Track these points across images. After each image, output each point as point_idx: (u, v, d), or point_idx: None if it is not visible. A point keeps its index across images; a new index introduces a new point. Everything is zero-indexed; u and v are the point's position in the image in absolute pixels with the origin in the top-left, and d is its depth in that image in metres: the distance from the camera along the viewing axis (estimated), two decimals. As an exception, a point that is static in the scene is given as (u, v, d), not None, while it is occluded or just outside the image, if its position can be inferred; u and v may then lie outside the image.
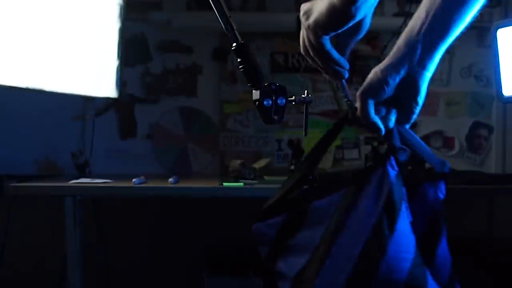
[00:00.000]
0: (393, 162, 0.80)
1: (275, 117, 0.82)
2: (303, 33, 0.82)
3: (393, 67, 0.81)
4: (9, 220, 2.14)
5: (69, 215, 1.67)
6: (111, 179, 1.80)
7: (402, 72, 0.81)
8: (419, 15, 0.81)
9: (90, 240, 2.13)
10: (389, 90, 0.81)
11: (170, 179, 1.75)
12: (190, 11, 2.29)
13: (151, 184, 1.74)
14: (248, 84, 0.82)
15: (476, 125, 2.39)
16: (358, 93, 0.82)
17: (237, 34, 0.81)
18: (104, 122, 2.28)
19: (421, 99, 0.83)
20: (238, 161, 1.95)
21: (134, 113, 2.31)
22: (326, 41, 0.79)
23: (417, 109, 0.85)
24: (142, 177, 1.75)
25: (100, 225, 2.24)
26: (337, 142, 2.35)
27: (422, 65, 0.81)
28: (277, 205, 0.82)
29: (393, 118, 0.84)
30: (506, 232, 2.26)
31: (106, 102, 2.26)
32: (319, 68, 0.84)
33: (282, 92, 0.83)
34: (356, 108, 0.84)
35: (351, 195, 0.78)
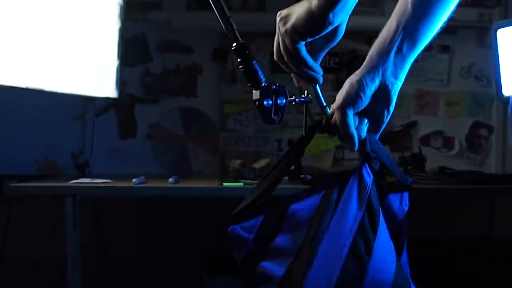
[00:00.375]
0: (368, 170, 0.82)
1: (275, 117, 0.81)
2: (278, 38, 0.82)
3: (369, 77, 0.81)
4: (9, 220, 2.14)
5: (69, 215, 1.67)
6: (111, 179, 1.80)
7: (377, 82, 0.82)
8: (390, 26, 0.82)
9: (90, 240, 2.13)
10: (366, 100, 0.82)
11: (170, 179, 1.75)
12: (190, 11, 2.29)
13: (151, 184, 1.74)
14: (248, 84, 0.81)
15: (476, 125, 2.39)
16: (337, 105, 0.82)
17: (237, 34, 0.80)
18: (104, 122, 2.27)
19: (392, 108, 0.85)
20: (238, 161, 1.95)
21: (134, 113, 2.31)
22: (302, 46, 0.79)
23: (388, 118, 0.86)
24: (142, 177, 1.75)
25: (99, 225, 2.24)
26: (337, 142, 2.35)
27: (395, 75, 0.83)
28: (252, 208, 0.81)
29: (365, 128, 0.85)
30: (506, 232, 2.26)
31: (106, 102, 2.26)
32: (292, 74, 0.84)
33: (282, 92, 0.82)
34: (331, 114, 0.84)
35: (331, 199, 0.79)
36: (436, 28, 0.83)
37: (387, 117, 0.85)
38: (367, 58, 0.84)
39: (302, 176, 1.68)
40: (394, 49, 0.81)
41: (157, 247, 2.29)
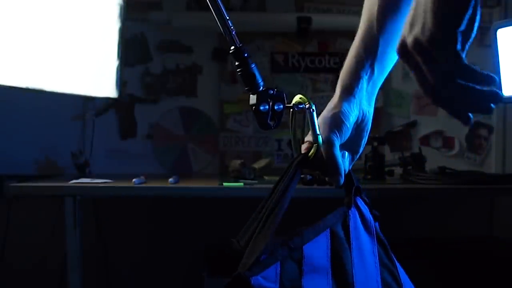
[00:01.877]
0: (362, 202, 0.82)
1: (271, 123, 0.79)
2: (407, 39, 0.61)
3: (349, 107, 0.80)
4: (9, 220, 2.14)
5: (69, 215, 1.68)
6: (111, 179, 1.80)
7: (356, 111, 0.81)
8: (359, 53, 0.81)
9: (90, 240, 2.13)
10: (350, 130, 0.80)
11: (170, 179, 1.75)
12: (190, 11, 2.29)
13: (151, 184, 1.74)
14: (246, 88, 0.79)
15: (476, 125, 2.39)
16: (326, 136, 0.79)
17: (235, 37, 0.78)
18: (104, 122, 2.27)
19: (367, 136, 0.83)
20: (238, 161, 1.95)
21: (134, 113, 2.31)
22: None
23: (363, 148, 0.84)
24: (142, 177, 1.75)
25: (100, 225, 2.24)
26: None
27: (369, 102, 0.82)
28: (265, 258, 0.72)
29: (347, 162, 0.82)
30: (506, 232, 2.26)
31: (106, 102, 2.26)
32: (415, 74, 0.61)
33: (280, 97, 0.79)
34: (308, 148, 0.80)
35: (340, 237, 0.76)
36: None
37: (363, 146, 0.83)
38: (341, 88, 0.82)
39: (302, 176, 1.69)
40: (366, 77, 0.81)
41: (157, 247, 2.29)
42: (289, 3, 2.31)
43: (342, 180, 0.79)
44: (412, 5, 0.59)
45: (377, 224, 0.83)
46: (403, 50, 0.60)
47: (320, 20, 2.26)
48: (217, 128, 2.33)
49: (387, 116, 2.36)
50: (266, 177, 1.93)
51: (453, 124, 2.39)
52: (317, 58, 2.30)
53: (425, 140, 2.38)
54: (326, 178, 0.83)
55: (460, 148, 2.39)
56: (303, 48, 2.32)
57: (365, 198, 0.83)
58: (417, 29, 0.58)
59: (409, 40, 0.59)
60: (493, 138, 2.39)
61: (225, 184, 1.71)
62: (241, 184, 1.72)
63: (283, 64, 2.32)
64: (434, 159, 2.22)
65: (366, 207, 0.82)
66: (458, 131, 2.39)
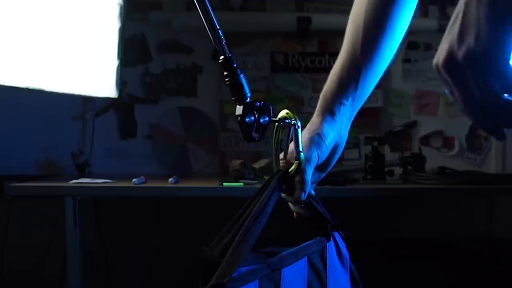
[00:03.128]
0: (340, 238, 0.82)
1: (256, 135, 0.78)
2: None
3: (330, 129, 0.81)
4: (9, 220, 2.14)
5: (69, 215, 1.68)
6: (111, 179, 1.80)
7: (336, 134, 0.82)
8: (342, 76, 0.82)
9: (90, 240, 2.13)
10: (328, 152, 0.81)
11: (170, 179, 1.75)
12: (190, 11, 2.29)
13: (151, 184, 1.74)
14: (232, 98, 0.78)
15: (476, 125, 2.39)
16: (307, 153, 0.79)
17: (225, 47, 0.77)
18: (104, 122, 2.28)
19: (338, 156, 0.84)
20: (238, 161, 1.95)
21: (134, 113, 2.31)
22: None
23: (332, 166, 0.85)
24: (142, 177, 1.75)
25: (100, 225, 2.24)
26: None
27: (346, 126, 0.84)
28: (242, 275, 0.70)
29: (314, 184, 0.83)
30: (506, 232, 2.26)
31: (106, 102, 2.26)
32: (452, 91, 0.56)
33: (266, 110, 0.79)
34: (285, 167, 0.79)
35: (317, 268, 0.77)
36: (382, 72, 0.83)
37: (332, 166, 0.85)
38: (322, 111, 0.83)
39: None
40: (347, 103, 0.82)
41: (157, 247, 2.30)
42: (289, 3, 2.31)
43: (304, 195, 0.78)
44: (457, 13, 0.54)
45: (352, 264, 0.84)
46: (450, 64, 0.53)
47: (320, 20, 2.26)
48: (217, 128, 2.33)
49: (387, 116, 2.36)
50: (266, 177, 1.93)
51: (453, 124, 2.39)
52: (317, 58, 2.30)
53: (425, 140, 2.38)
54: (289, 202, 0.82)
55: (460, 148, 2.39)
56: (303, 48, 2.32)
57: (343, 234, 0.83)
58: (470, 39, 0.52)
59: (461, 52, 0.52)
60: (493, 138, 2.39)
61: (225, 184, 1.71)
62: (241, 184, 1.72)
63: (283, 64, 2.32)
64: (434, 159, 2.22)
65: (343, 243, 0.82)
66: (458, 131, 2.39)
